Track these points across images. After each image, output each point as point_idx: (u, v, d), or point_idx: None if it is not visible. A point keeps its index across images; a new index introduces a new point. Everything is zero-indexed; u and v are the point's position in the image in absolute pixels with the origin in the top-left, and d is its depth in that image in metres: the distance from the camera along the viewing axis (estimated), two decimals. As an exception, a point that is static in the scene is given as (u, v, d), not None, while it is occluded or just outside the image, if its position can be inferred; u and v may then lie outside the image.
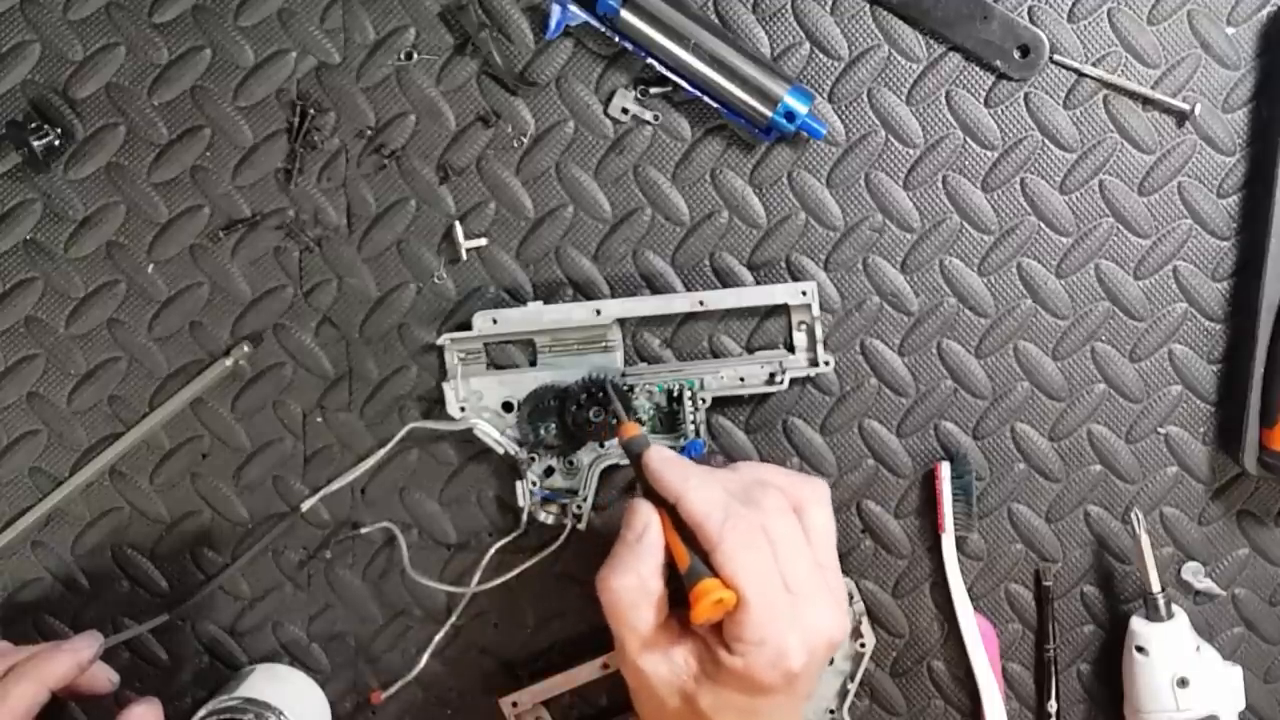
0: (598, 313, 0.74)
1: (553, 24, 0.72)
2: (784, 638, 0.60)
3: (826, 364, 0.74)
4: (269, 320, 0.76)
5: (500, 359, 0.76)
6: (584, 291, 0.76)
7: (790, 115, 0.71)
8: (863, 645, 0.76)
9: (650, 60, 0.72)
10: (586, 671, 0.76)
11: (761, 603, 0.60)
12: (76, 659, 0.67)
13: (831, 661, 0.76)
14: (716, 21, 0.73)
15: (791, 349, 0.75)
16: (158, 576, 0.78)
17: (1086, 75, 0.73)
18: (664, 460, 0.64)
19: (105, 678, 0.70)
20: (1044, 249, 0.75)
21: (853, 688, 0.76)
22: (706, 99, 0.72)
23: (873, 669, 0.77)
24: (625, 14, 0.71)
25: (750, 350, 0.76)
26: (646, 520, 0.63)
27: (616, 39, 0.72)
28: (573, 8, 0.71)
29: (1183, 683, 0.72)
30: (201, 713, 0.71)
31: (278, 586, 0.78)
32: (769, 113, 0.71)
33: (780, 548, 0.62)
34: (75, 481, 0.76)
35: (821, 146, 0.74)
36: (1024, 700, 0.78)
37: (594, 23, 0.71)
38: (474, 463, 0.77)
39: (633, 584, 0.62)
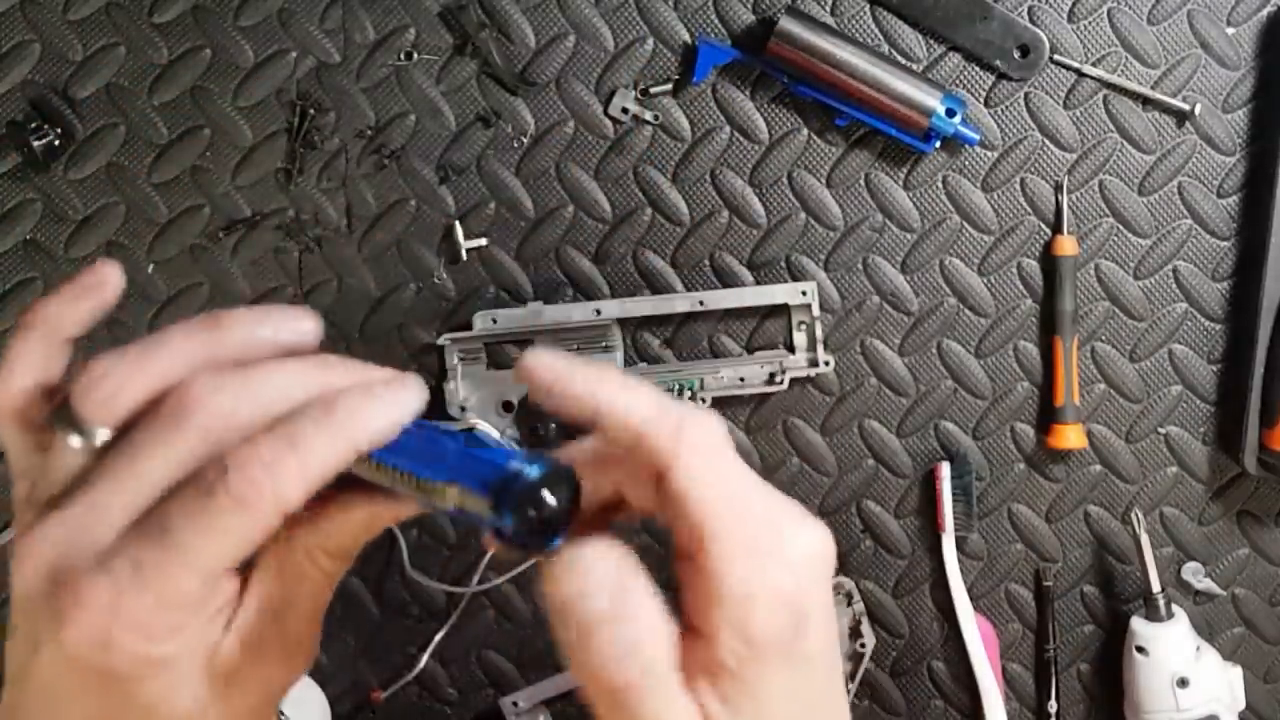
0: (598, 313, 0.74)
1: (703, 67, 0.72)
2: (776, 579, 0.36)
3: (826, 364, 0.74)
4: (269, 320, 0.76)
5: (500, 359, 0.76)
6: (584, 291, 0.76)
7: (951, 112, 0.71)
8: (863, 645, 0.76)
9: (801, 89, 0.72)
10: (586, 671, 0.76)
11: (740, 537, 0.37)
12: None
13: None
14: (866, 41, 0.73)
15: (791, 349, 0.75)
16: (158, 576, 0.77)
17: (1086, 75, 0.73)
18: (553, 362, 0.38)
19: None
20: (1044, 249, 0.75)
21: (852, 688, 0.76)
22: (859, 115, 0.72)
23: (873, 669, 0.77)
24: (773, 43, 0.71)
25: (750, 350, 0.76)
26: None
27: (763, 69, 0.72)
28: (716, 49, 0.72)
29: (1183, 683, 0.71)
30: (201, 713, 0.71)
31: (278, 586, 0.78)
32: (925, 121, 0.71)
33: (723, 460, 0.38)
34: (75, 481, 0.76)
35: (820, 146, 0.74)
36: (1024, 700, 0.78)
37: (741, 58, 0.72)
38: (474, 463, 0.77)
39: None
